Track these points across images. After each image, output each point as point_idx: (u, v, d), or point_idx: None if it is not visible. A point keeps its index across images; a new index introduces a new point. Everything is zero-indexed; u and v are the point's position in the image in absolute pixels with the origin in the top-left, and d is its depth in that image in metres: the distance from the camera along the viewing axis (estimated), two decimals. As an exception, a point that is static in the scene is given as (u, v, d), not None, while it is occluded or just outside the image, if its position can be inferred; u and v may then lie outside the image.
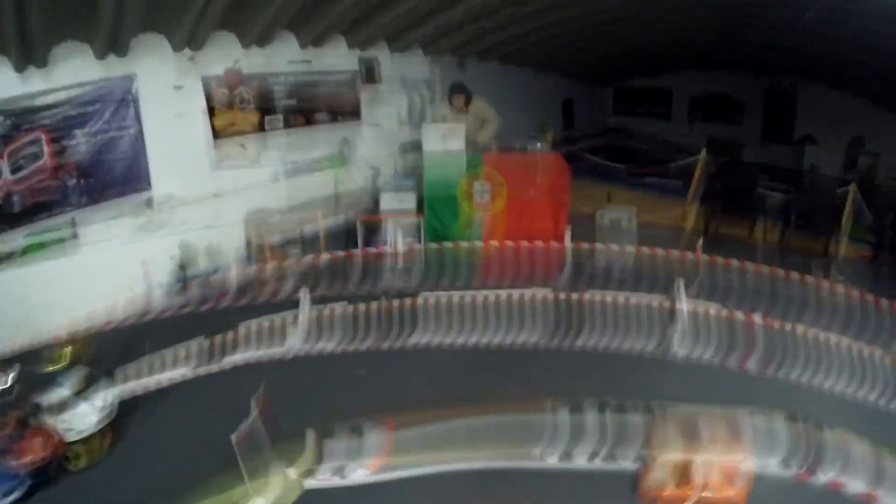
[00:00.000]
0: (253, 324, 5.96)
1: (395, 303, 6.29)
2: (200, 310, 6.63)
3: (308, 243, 8.28)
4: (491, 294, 6.38)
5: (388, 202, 8.08)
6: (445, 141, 7.82)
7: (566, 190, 7.99)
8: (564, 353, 5.85)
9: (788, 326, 5.90)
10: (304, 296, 6.03)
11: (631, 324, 6.07)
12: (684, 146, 19.13)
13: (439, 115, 8.61)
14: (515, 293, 6.41)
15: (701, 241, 7.44)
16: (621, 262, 7.54)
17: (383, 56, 10.29)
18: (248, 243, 8.11)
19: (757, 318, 5.96)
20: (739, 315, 6.03)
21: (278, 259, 7.73)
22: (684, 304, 6.02)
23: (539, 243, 7.83)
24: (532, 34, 12.05)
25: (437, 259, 7.53)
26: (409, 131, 10.62)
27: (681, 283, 6.14)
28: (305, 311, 6.01)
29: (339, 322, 6.11)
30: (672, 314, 6.12)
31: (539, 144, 8.02)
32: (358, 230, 8.09)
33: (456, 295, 6.36)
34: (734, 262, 7.23)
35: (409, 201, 8.07)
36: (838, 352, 5.66)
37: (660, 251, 7.49)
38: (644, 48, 16.09)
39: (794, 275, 6.91)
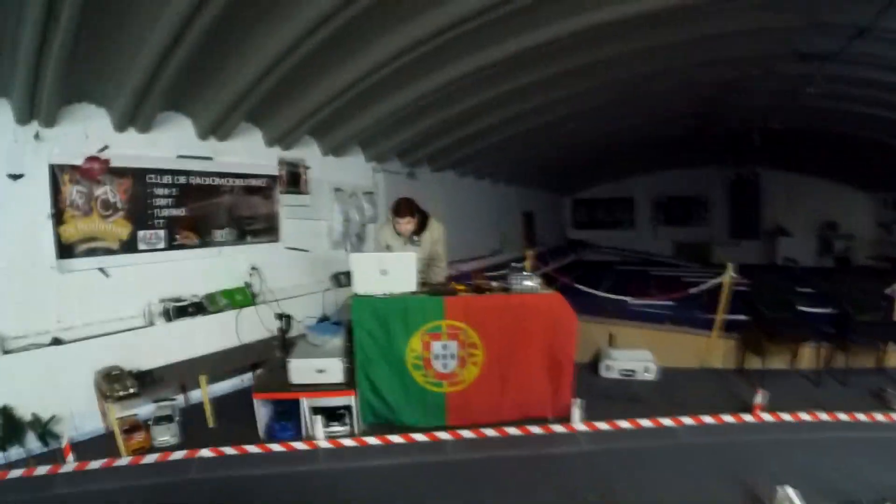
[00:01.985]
0: None
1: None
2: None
3: (188, 421, 5.31)
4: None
5: (301, 372, 4.91)
6: (387, 279, 4.88)
7: (570, 344, 5.10)
8: None
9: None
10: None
11: None
12: (655, 254, 19.35)
13: (382, 240, 5.82)
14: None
15: (759, 397, 5.37)
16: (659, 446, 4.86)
17: (312, 158, 7.71)
18: (103, 415, 5.15)
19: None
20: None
21: (139, 444, 4.88)
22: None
23: (535, 428, 5.01)
24: (489, 145, 10.29)
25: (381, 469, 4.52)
26: (346, 258, 7.72)
27: (789, 491, 3.62)
28: None
29: None
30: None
31: (529, 282, 5.02)
32: (256, 412, 4.94)
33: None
34: (804, 417, 5.29)
35: (334, 371, 4.93)
36: None
37: (707, 419, 5.27)
38: (606, 153, 14.59)
39: (880, 416, 5.33)
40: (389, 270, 4.87)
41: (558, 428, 5.04)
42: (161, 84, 5.06)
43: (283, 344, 5.38)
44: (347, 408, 4.99)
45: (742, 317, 7.02)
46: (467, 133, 9.05)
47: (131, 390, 4.88)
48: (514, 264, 5.58)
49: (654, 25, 6.21)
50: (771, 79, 8.75)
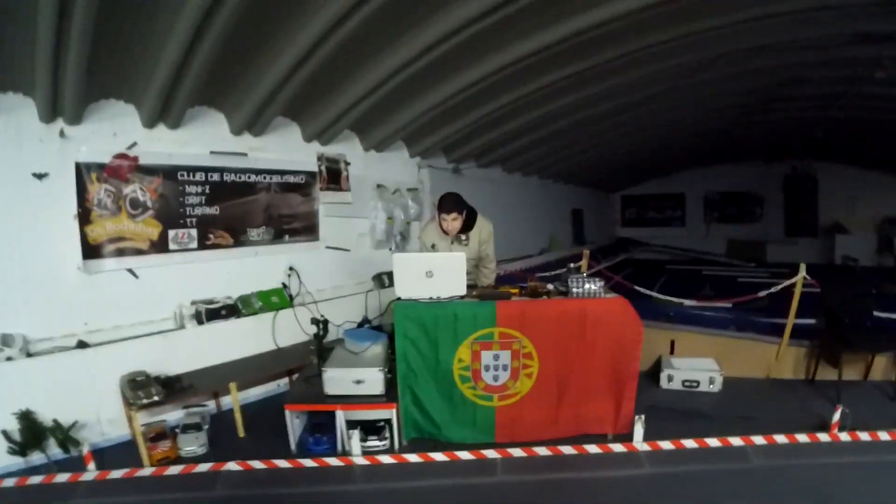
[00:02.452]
0: None
1: None
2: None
3: (218, 429, 4.99)
4: None
5: (337, 383, 4.45)
6: (433, 282, 4.36)
7: (635, 355, 4.58)
8: None
9: None
10: None
11: None
12: (707, 252, 18.58)
13: (426, 239, 5.33)
14: None
15: (838, 415, 4.69)
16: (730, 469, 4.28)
17: (353, 154, 7.26)
18: (129, 420, 4.67)
19: None
20: None
21: (164, 454, 4.52)
22: None
23: (592, 447, 4.49)
24: (536, 140, 9.84)
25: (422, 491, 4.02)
26: (389, 257, 7.34)
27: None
28: None
29: None
30: None
31: (591, 285, 4.45)
32: (288, 425, 4.51)
33: None
34: (883, 437, 4.66)
35: (374, 382, 4.46)
36: None
37: (780, 438, 4.66)
38: (656, 148, 13.88)
39: None
40: (436, 272, 4.34)
41: (618, 447, 4.51)
42: (190, 78, 4.75)
43: (319, 351, 4.92)
44: (387, 421, 4.51)
45: (808, 321, 6.41)
46: (514, 127, 8.51)
47: (155, 398, 4.49)
48: (571, 265, 5.04)
49: (708, 6, 5.62)
50: (832, 64, 8.04)
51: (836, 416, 4.72)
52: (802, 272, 6.16)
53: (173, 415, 5.06)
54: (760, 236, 18.45)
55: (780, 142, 14.67)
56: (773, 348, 6.35)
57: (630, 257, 16.17)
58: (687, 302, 6.93)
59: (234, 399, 4.93)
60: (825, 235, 17.33)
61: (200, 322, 5.42)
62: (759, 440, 4.66)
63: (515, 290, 4.70)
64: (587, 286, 4.48)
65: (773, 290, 6.48)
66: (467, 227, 5.04)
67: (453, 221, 4.90)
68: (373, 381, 4.43)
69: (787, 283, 6.28)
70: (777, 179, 18.17)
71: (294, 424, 4.53)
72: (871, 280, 10.38)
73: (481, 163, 10.13)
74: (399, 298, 4.44)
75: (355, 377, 4.43)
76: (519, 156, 10.70)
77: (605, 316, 4.42)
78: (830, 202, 17.30)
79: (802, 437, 4.69)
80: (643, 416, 4.52)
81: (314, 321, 5.03)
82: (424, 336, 4.36)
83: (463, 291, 4.43)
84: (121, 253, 5.10)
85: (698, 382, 5.92)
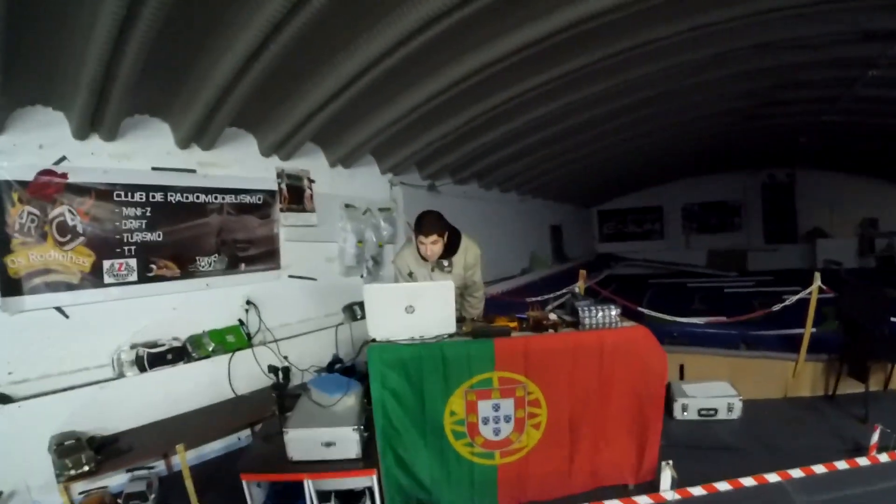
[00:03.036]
0: None
1: None
2: None
3: (168, 495, 4.27)
4: None
5: (302, 446, 3.62)
6: (415, 318, 3.61)
7: (659, 392, 3.90)
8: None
9: None
10: None
11: None
12: (688, 264, 18.40)
13: (402, 266, 4.55)
14: None
15: (876, 436, 4.35)
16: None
17: (318, 169, 6.61)
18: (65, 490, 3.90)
19: None
20: None
21: None
22: None
23: (613, 503, 3.79)
24: (514, 153, 9.30)
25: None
26: (360, 285, 6.60)
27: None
28: None
29: None
30: None
31: (606, 313, 3.74)
32: (246, 494, 3.67)
33: None
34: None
35: (347, 443, 3.61)
36: None
37: (819, 468, 4.18)
38: (637, 160, 13.47)
39: None
40: (418, 307, 3.57)
41: (643, 500, 3.81)
42: (122, 78, 3.98)
43: (280, 405, 4.06)
44: (368, 488, 3.69)
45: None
46: (490, 140, 7.95)
47: (86, 468, 3.71)
48: (576, 289, 4.35)
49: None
50: (832, 65, 7.72)
51: (875, 437, 4.34)
52: (818, 282, 5.67)
53: (118, 478, 4.31)
54: (741, 245, 18.51)
55: (765, 150, 14.53)
56: (786, 365, 5.86)
57: (612, 273, 15.74)
58: (701, 320, 6.42)
59: (182, 464, 4.07)
60: (806, 241, 17.42)
61: (143, 369, 4.67)
62: (796, 473, 4.13)
63: (514, 324, 3.93)
64: (601, 315, 3.73)
65: (787, 302, 5.93)
66: (450, 250, 4.28)
67: (433, 245, 4.09)
68: (346, 442, 3.58)
69: (804, 293, 5.78)
70: (755, 188, 18.31)
71: (254, 494, 3.68)
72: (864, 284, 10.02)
73: (457, 178, 9.58)
74: (373, 340, 3.67)
75: (324, 439, 3.57)
76: (496, 170, 10.18)
77: (625, 349, 3.72)
78: (809, 207, 17.49)
79: (842, 464, 4.24)
80: (671, 462, 3.82)
81: (272, 369, 4.19)
82: (407, 384, 3.58)
83: (452, 329, 3.68)
84: (48, 288, 4.37)
85: (716, 410, 5.34)
